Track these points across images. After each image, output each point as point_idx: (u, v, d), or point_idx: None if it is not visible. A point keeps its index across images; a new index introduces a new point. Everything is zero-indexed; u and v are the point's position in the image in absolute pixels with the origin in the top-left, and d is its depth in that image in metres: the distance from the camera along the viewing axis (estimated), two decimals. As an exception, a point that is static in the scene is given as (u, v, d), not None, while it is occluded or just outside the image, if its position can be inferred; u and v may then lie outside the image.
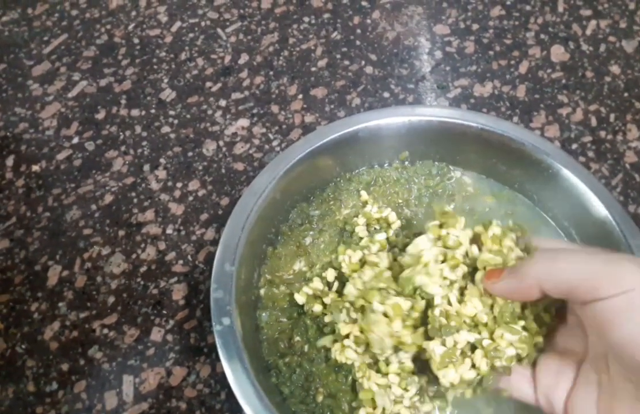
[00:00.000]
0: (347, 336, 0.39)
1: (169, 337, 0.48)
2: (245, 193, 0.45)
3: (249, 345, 0.38)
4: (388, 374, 0.37)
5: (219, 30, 0.71)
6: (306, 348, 0.41)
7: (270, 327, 0.43)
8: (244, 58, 0.68)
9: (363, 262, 0.41)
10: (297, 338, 0.42)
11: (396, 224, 0.46)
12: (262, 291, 0.44)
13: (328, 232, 0.47)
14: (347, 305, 0.39)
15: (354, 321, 0.38)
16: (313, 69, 0.66)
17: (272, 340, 0.42)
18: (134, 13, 0.73)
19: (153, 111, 0.63)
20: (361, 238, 0.44)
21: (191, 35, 0.70)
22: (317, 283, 0.42)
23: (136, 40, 0.70)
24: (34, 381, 0.46)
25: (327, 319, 0.41)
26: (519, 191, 0.50)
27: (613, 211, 0.44)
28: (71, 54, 0.68)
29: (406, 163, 0.51)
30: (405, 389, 0.37)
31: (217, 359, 0.38)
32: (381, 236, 0.43)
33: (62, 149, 0.60)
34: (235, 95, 0.64)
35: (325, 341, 0.41)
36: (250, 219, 0.43)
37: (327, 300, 0.41)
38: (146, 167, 0.59)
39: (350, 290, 0.39)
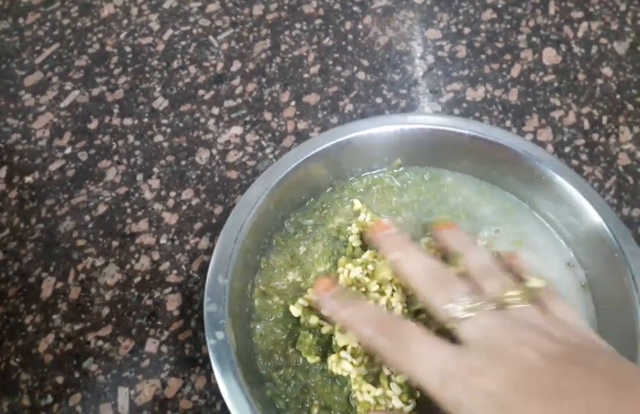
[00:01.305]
0: (344, 347, 0.39)
1: (164, 348, 0.48)
2: (238, 204, 0.45)
3: (243, 358, 0.38)
4: (389, 384, 0.38)
5: (211, 38, 0.71)
6: (301, 360, 0.41)
7: (264, 339, 0.43)
8: (236, 65, 0.68)
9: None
10: (292, 350, 0.42)
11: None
12: (255, 302, 0.44)
13: (322, 241, 0.47)
14: None
15: None
16: (305, 75, 0.66)
17: (266, 352, 0.42)
18: (125, 21, 0.72)
19: (146, 120, 0.63)
20: (354, 248, 0.45)
21: (183, 43, 0.70)
22: (312, 295, 0.42)
23: (128, 49, 0.70)
24: (28, 395, 0.46)
25: (324, 330, 0.41)
26: (512, 195, 0.50)
27: (607, 218, 0.44)
28: (63, 64, 0.68)
29: (399, 169, 0.51)
30: (407, 403, 0.37)
31: (212, 370, 0.38)
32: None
33: (55, 160, 0.60)
34: (228, 103, 0.64)
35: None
36: (243, 230, 0.43)
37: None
38: (139, 177, 0.58)
39: None
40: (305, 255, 0.47)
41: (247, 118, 0.63)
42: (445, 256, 0.41)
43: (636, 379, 0.29)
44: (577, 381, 0.29)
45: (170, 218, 0.55)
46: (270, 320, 0.44)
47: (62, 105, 0.65)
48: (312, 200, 0.50)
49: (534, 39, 0.70)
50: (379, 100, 0.64)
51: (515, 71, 0.66)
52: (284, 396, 0.40)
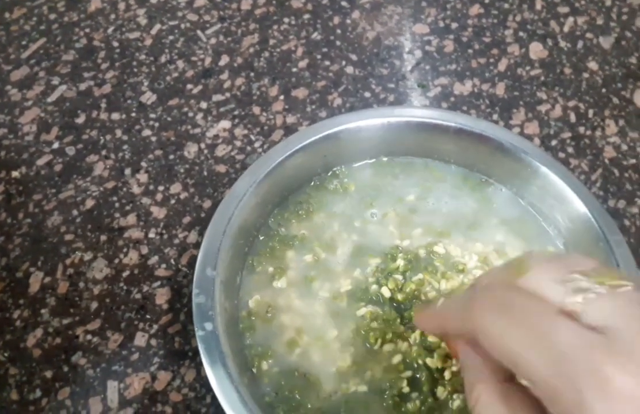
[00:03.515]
0: None
1: (153, 342, 0.48)
2: (226, 197, 0.45)
3: (233, 349, 0.39)
4: None
5: (199, 32, 0.71)
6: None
7: (252, 330, 0.43)
8: (224, 60, 0.68)
9: None
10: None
11: None
12: (242, 294, 0.45)
13: (307, 233, 0.48)
14: None
15: None
16: (294, 69, 0.67)
17: (255, 344, 0.42)
18: (113, 16, 0.72)
19: (134, 114, 0.63)
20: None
21: (171, 37, 0.70)
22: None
23: (115, 44, 0.69)
24: (17, 389, 0.46)
25: None
26: (500, 186, 0.51)
27: (592, 208, 0.45)
28: (50, 58, 0.68)
29: (384, 159, 0.52)
30: None
31: (202, 363, 0.38)
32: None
33: (42, 154, 0.60)
34: (216, 97, 0.64)
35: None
36: (231, 223, 0.44)
37: None
38: (127, 171, 0.58)
39: None
40: (290, 248, 0.47)
41: (236, 113, 0.63)
42: None
43: None
44: None
45: (159, 213, 0.55)
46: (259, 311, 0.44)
47: (49, 100, 0.64)
48: (299, 192, 0.50)
49: (520, 33, 0.70)
50: (367, 94, 0.64)
51: (502, 65, 0.67)
52: (273, 385, 0.40)
